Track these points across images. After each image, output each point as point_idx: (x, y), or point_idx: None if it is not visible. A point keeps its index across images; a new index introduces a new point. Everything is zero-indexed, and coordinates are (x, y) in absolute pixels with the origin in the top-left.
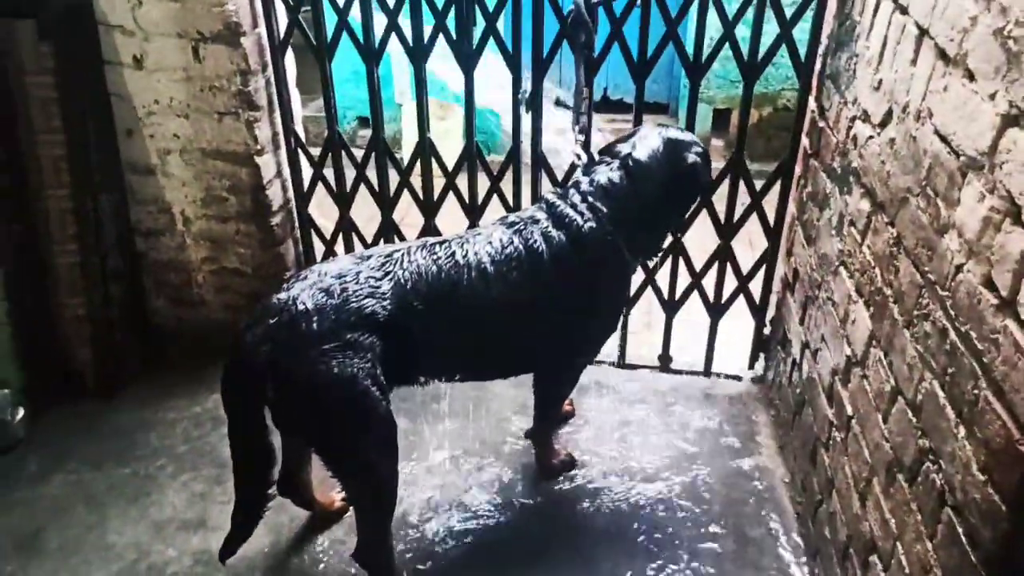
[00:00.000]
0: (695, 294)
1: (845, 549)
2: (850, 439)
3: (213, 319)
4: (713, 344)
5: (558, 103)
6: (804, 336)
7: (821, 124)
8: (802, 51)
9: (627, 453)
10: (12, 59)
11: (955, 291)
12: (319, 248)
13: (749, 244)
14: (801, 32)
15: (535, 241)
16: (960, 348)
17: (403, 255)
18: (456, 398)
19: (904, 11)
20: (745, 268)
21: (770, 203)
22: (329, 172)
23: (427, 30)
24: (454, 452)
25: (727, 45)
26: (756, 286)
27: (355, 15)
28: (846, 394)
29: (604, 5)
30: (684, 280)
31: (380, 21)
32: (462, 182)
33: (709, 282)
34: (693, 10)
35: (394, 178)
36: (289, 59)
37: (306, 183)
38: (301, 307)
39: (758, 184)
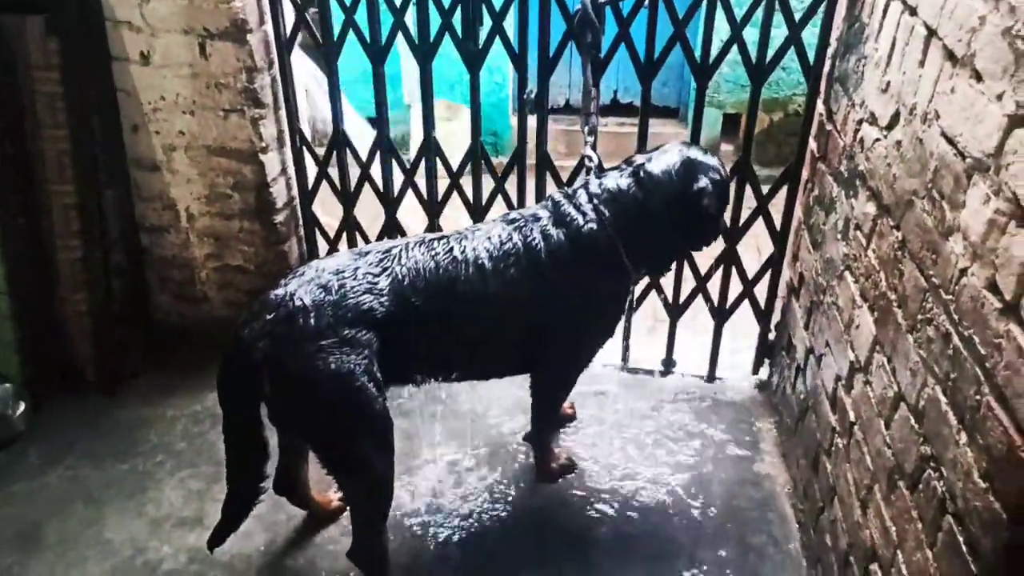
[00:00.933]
0: (699, 298)
1: (846, 557)
2: (852, 446)
3: (216, 316)
4: (717, 349)
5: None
6: (809, 341)
7: (829, 127)
8: (811, 54)
9: (627, 457)
10: (20, 54)
11: (959, 295)
12: (323, 246)
13: (756, 249)
14: (810, 35)
15: (534, 238)
16: (963, 353)
17: (401, 251)
18: (455, 398)
19: (913, 12)
20: (751, 273)
21: (776, 207)
22: (334, 171)
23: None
24: (452, 452)
25: (735, 47)
26: (761, 291)
27: (363, 14)
28: (849, 400)
29: (611, 5)
30: (688, 284)
31: (388, 20)
32: (467, 183)
33: (714, 286)
34: (701, 11)
35: (399, 178)
36: (296, 57)
37: (311, 181)
38: (298, 303)
39: (765, 189)
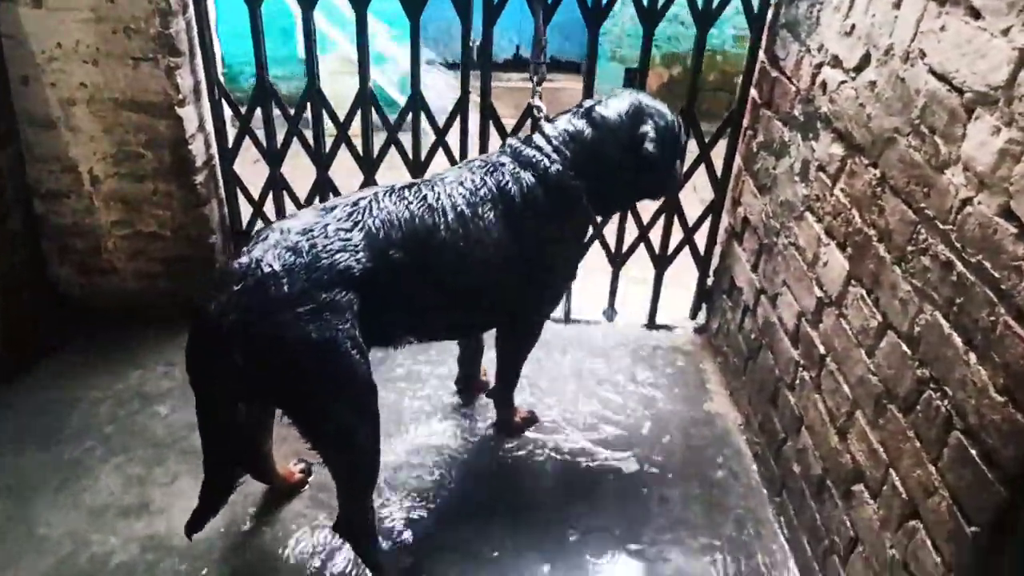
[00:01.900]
0: (640, 248)
1: (821, 482)
2: (824, 376)
3: (127, 288)
4: (658, 296)
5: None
6: (759, 283)
7: (774, 74)
8: (755, 2)
9: (582, 407)
10: None
11: (961, 224)
12: (246, 209)
13: (697, 199)
14: None
15: (506, 182)
16: (970, 278)
17: (371, 202)
18: (410, 359)
19: None
20: (691, 221)
21: (716, 155)
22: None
23: None
24: (423, 415)
25: None
26: (700, 239)
27: None
28: (816, 334)
29: None
30: (630, 235)
31: None
32: (406, 138)
33: (654, 235)
34: None
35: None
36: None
37: (231, 137)
38: (267, 269)
39: None
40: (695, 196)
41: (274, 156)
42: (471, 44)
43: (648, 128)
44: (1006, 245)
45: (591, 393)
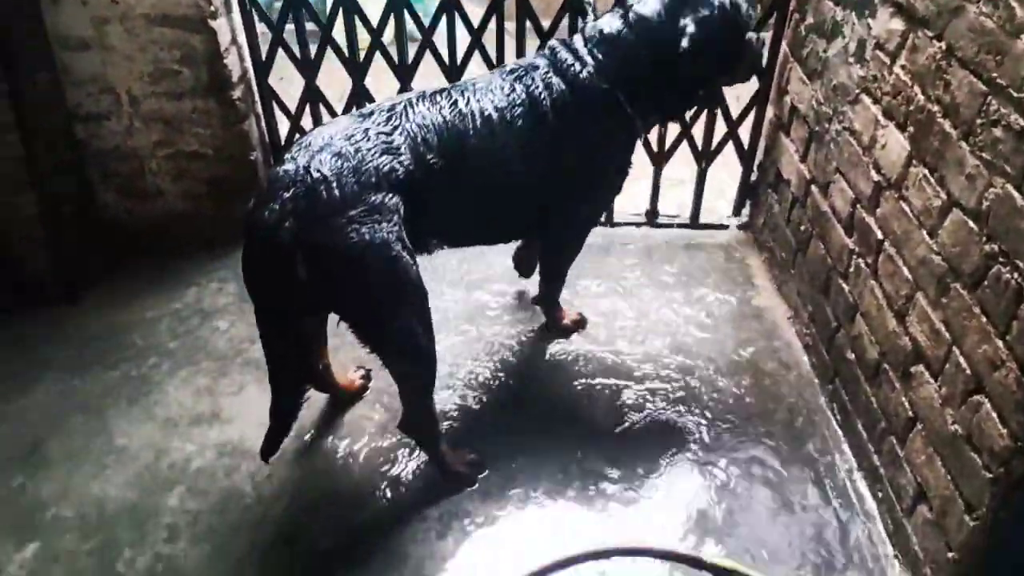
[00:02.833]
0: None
1: (877, 366)
2: (882, 261)
3: (172, 210)
4: (701, 193)
5: None
6: (808, 173)
7: None
8: None
9: (629, 307)
10: None
11: None
12: (283, 124)
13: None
14: None
15: (536, 87)
16: None
17: (405, 107)
18: (454, 273)
19: None
20: (734, 114)
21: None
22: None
23: None
24: (456, 321)
25: None
26: (744, 133)
27: None
28: (872, 220)
29: None
30: (672, 132)
31: None
32: (440, 42)
33: (697, 132)
34: None
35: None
36: None
37: (264, 50)
38: (316, 174)
39: None
40: (740, 90)
41: (308, 66)
42: None
43: (687, 21)
44: None
45: (636, 293)
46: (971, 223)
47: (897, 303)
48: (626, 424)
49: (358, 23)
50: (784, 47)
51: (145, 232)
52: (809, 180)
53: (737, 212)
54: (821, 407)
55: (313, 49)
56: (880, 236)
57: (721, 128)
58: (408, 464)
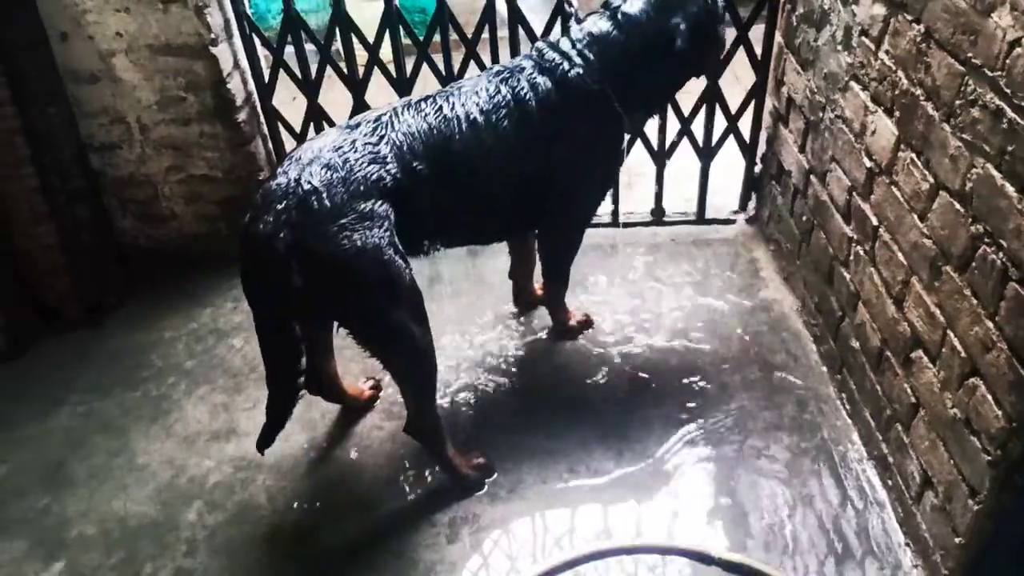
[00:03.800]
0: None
1: (879, 354)
2: (878, 248)
3: (187, 232)
4: (705, 189)
5: None
6: (807, 163)
7: None
8: None
9: (638, 306)
10: None
11: (1010, 68)
12: (289, 143)
13: (736, 81)
14: None
15: (521, 88)
16: (1020, 123)
17: (391, 117)
18: (455, 276)
19: None
20: (733, 108)
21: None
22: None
23: None
24: (463, 327)
25: None
26: (744, 127)
27: None
28: (867, 206)
29: None
30: (672, 129)
31: None
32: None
33: (696, 127)
34: None
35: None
36: None
37: (266, 73)
38: (307, 186)
39: None
40: (737, 84)
41: (310, 85)
42: None
43: (678, 19)
44: None
45: (644, 292)
46: (957, 205)
47: (895, 289)
48: (634, 422)
49: (355, 41)
50: (779, 38)
51: (162, 255)
52: (808, 170)
53: (743, 206)
54: (830, 397)
55: (314, 68)
56: (875, 223)
57: (721, 123)
58: (417, 471)
